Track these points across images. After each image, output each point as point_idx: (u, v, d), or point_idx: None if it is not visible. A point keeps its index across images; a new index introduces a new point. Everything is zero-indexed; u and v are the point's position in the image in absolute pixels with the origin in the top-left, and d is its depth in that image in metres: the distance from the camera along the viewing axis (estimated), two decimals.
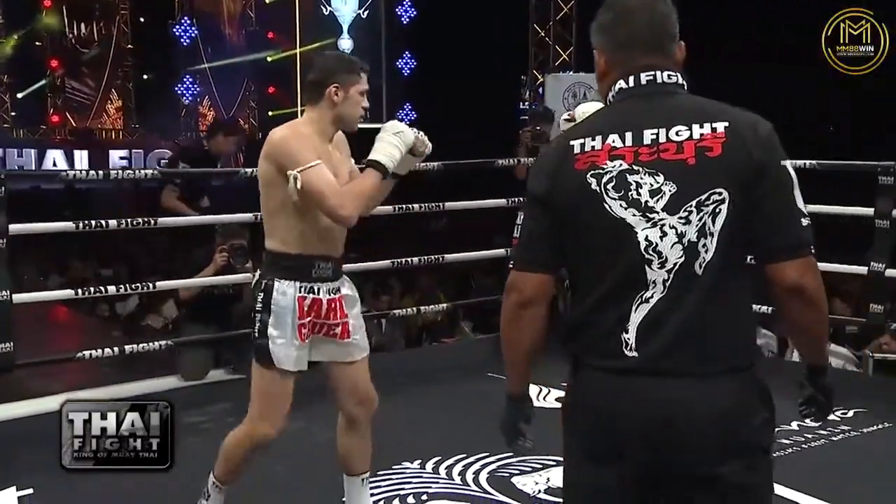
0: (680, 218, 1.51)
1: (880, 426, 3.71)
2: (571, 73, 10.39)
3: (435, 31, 17.94)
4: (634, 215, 1.52)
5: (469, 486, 3.09)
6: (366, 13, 20.55)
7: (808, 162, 4.41)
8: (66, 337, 5.74)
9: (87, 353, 3.90)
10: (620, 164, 1.53)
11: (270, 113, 20.21)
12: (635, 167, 1.52)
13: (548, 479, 3.10)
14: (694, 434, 1.49)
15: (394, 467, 3.21)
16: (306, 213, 2.37)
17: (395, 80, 20.12)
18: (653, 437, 1.50)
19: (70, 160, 17.62)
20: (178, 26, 19.16)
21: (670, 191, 1.51)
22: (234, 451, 2.56)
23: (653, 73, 1.57)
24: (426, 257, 4.83)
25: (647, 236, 1.51)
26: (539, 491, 3.04)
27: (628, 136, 1.54)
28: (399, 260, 4.72)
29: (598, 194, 1.53)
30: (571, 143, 1.58)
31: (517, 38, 13.48)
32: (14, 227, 3.70)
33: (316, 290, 2.43)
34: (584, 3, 12.64)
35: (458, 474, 3.18)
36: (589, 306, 1.57)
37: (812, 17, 8.58)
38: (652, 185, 1.51)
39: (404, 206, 4.72)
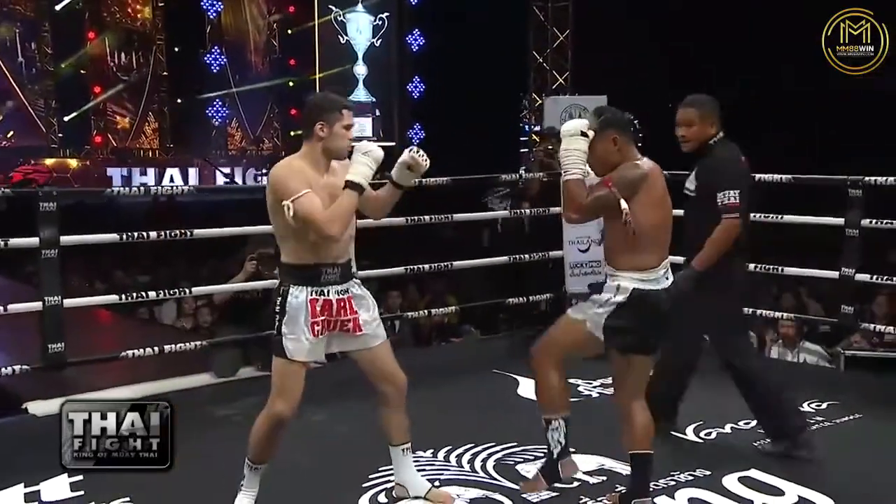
0: None
1: (851, 417, 3.71)
2: (567, 95, 10.40)
3: (442, 58, 17.97)
4: None
5: (477, 472, 3.10)
6: (379, 42, 20.61)
7: (783, 176, 4.42)
8: (109, 338, 5.77)
9: (129, 352, 3.94)
10: None
11: (292, 133, 20.25)
12: None
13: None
14: None
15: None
16: (307, 230, 2.55)
17: (406, 103, 20.17)
18: None
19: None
20: (208, 55, 19.25)
21: None
22: (258, 431, 2.69)
23: None
24: (436, 265, 4.85)
25: None
26: None
27: None
28: (412, 266, 4.74)
29: None
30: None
31: (517, 64, 13.49)
32: (65, 239, 3.74)
33: (326, 293, 2.63)
34: (578, 32, 12.66)
35: (468, 462, 3.19)
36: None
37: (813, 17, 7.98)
38: None
39: (416, 217, 4.75)
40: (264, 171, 19.48)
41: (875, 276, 4.25)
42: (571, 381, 4.09)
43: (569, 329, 2.71)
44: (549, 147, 5.65)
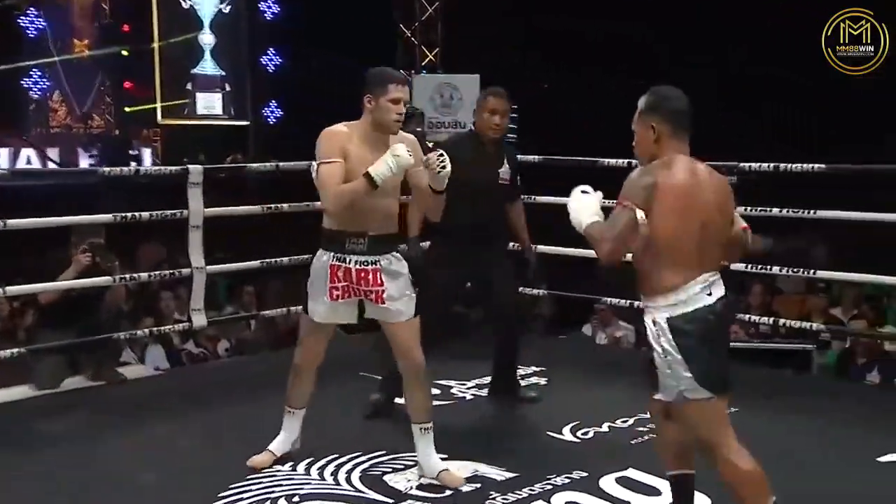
0: None
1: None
2: (438, 73, 10.48)
3: (300, 28, 17.68)
4: None
5: (342, 485, 3.10)
6: (228, 8, 20.00)
7: (609, 161, 4.64)
8: None
9: None
10: None
11: (127, 109, 19.38)
12: None
13: (420, 476, 3.14)
14: None
15: (264, 471, 3.17)
16: None
17: (260, 77, 19.68)
18: None
19: None
20: (23, 17, 18.10)
21: None
22: (290, 377, 3.20)
23: None
24: (296, 257, 4.79)
25: None
26: (411, 487, 3.08)
27: None
28: (268, 260, 4.67)
29: None
30: None
31: (383, 38, 13.46)
32: None
33: (347, 261, 2.96)
34: (449, 4, 12.78)
35: (331, 474, 3.17)
36: None
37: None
38: None
39: (273, 205, 4.68)
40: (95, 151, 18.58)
41: (749, 266, 4.55)
42: (442, 382, 4.17)
43: (678, 418, 2.54)
44: (418, 129, 5.66)
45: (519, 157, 4.07)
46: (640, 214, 2.41)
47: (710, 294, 2.44)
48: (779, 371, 4.97)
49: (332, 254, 2.98)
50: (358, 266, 2.96)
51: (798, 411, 3.90)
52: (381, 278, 2.97)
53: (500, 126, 3.64)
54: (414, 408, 3.10)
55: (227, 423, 3.72)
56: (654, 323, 2.44)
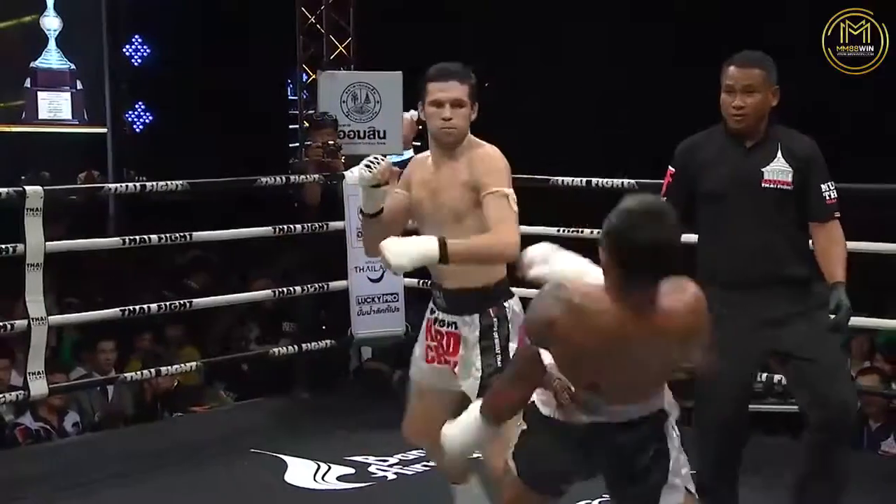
0: None
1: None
2: (351, 70, 10.55)
3: (173, 10, 17.64)
4: None
5: None
6: None
7: (564, 179, 4.76)
8: None
9: None
10: None
11: None
12: None
13: None
14: None
15: None
16: None
17: (122, 73, 19.50)
18: None
19: None
20: None
21: None
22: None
23: None
24: (168, 303, 4.77)
25: None
26: None
27: None
28: (131, 307, 4.64)
29: None
30: None
31: (281, 25, 13.50)
32: None
33: (436, 317, 2.99)
34: None
35: None
36: None
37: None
38: None
39: (138, 237, 4.66)
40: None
41: None
42: (357, 458, 4.20)
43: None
44: (331, 143, 5.68)
45: None
46: (546, 359, 2.32)
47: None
48: (772, 438, 5.06)
49: (432, 305, 3.04)
50: (437, 325, 2.98)
51: None
52: (455, 344, 2.93)
53: (742, 110, 3.20)
54: None
55: None
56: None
